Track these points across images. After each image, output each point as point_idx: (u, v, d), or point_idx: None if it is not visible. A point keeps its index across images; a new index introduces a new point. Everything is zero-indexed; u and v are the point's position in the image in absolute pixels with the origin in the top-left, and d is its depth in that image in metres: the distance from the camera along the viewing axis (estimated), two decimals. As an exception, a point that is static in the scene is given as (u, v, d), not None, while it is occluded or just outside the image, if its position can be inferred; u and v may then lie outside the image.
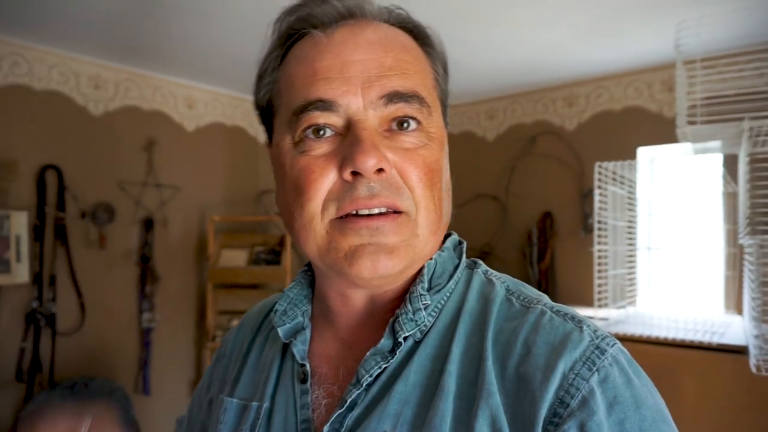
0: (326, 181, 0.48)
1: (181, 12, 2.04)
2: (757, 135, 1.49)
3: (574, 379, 0.43)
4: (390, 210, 0.48)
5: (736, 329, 1.69)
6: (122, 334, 2.72)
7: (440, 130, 0.53)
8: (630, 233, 2.08)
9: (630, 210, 2.01)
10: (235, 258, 2.93)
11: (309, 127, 0.49)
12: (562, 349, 0.44)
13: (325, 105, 0.48)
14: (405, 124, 0.49)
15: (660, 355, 1.54)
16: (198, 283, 3.03)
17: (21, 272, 2.32)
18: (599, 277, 1.69)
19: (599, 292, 1.72)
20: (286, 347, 0.58)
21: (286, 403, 0.54)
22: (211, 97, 3.11)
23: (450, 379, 0.46)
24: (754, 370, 1.33)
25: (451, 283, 0.54)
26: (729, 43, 1.76)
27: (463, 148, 3.35)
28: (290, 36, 0.53)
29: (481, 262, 0.58)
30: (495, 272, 0.57)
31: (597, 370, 0.43)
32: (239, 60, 2.54)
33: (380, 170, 0.47)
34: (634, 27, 2.15)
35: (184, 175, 2.96)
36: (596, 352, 0.44)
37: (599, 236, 1.74)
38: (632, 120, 2.72)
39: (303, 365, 0.54)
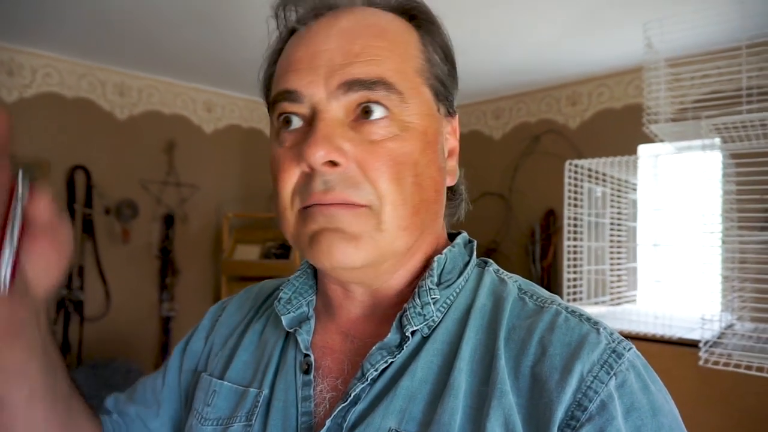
0: (292, 174, 0.48)
1: (199, 22, 2.22)
2: (722, 131, 1.51)
3: (592, 382, 0.42)
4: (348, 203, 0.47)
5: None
6: (144, 321, 2.95)
7: (422, 118, 0.49)
8: (616, 230, 2.10)
9: (613, 207, 2.04)
10: (249, 252, 3.11)
11: (280, 116, 0.49)
12: (580, 350, 0.44)
13: (292, 96, 0.48)
14: (370, 112, 0.47)
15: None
16: (214, 276, 3.23)
17: (52, 263, 2.56)
18: (569, 272, 1.74)
19: (571, 287, 1.77)
20: (287, 336, 0.57)
21: (286, 393, 0.52)
22: (229, 101, 3.31)
23: (460, 376, 0.45)
24: (701, 362, 1.36)
25: (461, 279, 0.52)
26: (707, 44, 1.77)
27: (471, 147, 3.41)
28: (291, 31, 0.53)
29: (491, 261, 0.56)
30: (506, 272, 0.55)
31: (614, 374, 0.42)
32: (255, 65, 2.70)
33: (334, 163, 0.45)
34: (634, 24, 2.16)
35: (202, 175, 3.16)
36: (613, 355, 0.43)
37: (572, 232, 1.79)
38: (633, 118, 2.71)
39: (307, 355, 0.53)
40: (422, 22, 0.53)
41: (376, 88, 0.46)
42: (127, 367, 2.54)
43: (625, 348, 0.44)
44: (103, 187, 2.77)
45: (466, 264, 0.54)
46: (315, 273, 0.60)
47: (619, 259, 2.15)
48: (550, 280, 2.95)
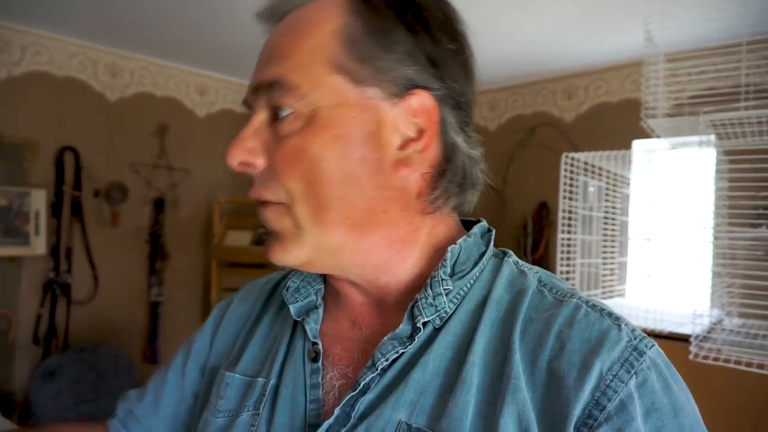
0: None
1: (194, 3, 2.17)
2: (718, 127, 1.51)
3: (611, 381, 0.41)
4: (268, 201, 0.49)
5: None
6: (132, 306, 2.92)
7: (330, 110, 0.46)
8: (609, 223, 2.11)
9: (607, 201, 2.05)
10: (240, 238, 3.09)
11: None
12: (600, 347, 0.42)
13: (245, 102, 0.52)
14: (279, 112, 0.47)
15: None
16: (204, 262, 3.20)
17: (39, 245, 2.53)
18: (563, 265, 1.74)
19: (564, 280, 1.78)
20: (295, 325, 0.57)
21: (294, 381, 0.52)
22: (223, 85, 3.26)
23: (472, 370, 0.44)
24: (692, 356, 1.37)
25: (475, 270, 0.51)
26: (706, 40, 1.77)
27: (466, 138, 3.40)
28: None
29: (511, 252, 0.55)
30: (526, 263, 0.54)
31: (635, 373, 0.41)
32: (250, 49, 2.66)
33: (247, 164, 0.49)
34: (633, 18, 2.15)
35: (194, 159, 3.12)
36: (634, 353, 0.42)
37: (567, 225, 1.79)
38: (629, 112, 2.71)
39: (315, 343, 0.53)
40: (358, 2, 0.48)
41: (274, 89, 0.47)
42: (115, 352, 2.52)
43: (647, 345, 0.43)
44: (92, 169, 2.73)
45: (482, 254, 0.53)
46: None
47: (610, 252, 2.16)
48: (541, 272, 2.96)
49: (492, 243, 0.55)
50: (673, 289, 1.95)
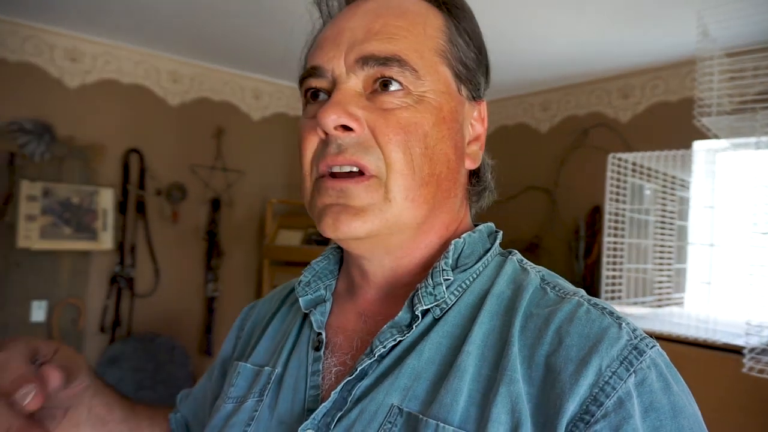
0: (311, 142, 0.50)
1: (247, 11, 2.27)
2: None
3: (610, 377, 0.41)
4: (358, 170, 0.48)
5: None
6: (190, 300, 3.07)
7: (437, 95, 0.50)
8: (667, 228, 2.02)
9: (662, 204, 1.96)
10: (291, 238, 3.18)
11: (307, 91, 0.53)
12: (599, 344, 0.42)
13: (316, 71, 0.51)
14: (387, 86, 0.49)
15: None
16: (257, 260, 3.32)
17: (106, 240, 2.71)
18: (608, 270, 1.68)
19: (609, 285, 1.71)
20: (305, 318, 0.59)
21: (297, 370, 0.54)
22: (276, 89, 3.38)
23: (467, 359, 0.45)
24: (745, 369, 1.29)
25: (479, 265, 0.52)
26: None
27: (517, 140, 3.34)
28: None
29: (516, 251, 0.56)
30: (531, 262, 0.54)
31: (634, 371, 0.41)
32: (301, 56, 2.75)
33: (347, 128, 0.48)
34: (691, 12, 2.05)
35: (248, 161, 3.25)
36: (634, 352, 0.42)
37: (613, 228, 1.73)
38: (690, 112, 2.58)
39: (319, 333, 0.54)
40: (450, 7, 0.54)
41: (390, 64, 0.48)
42: (172, 343, 2.66)
43: (647, 345, 0.43)
44: (155, 170, 2.90)
45: (487, 251, 0.54)
46: (339, 259, 0.62)
47: (664, 258, 2.06)
48: (594, 278, 2.87)
49: (498, 243, 0.56)
50: (732, 299, 1.83)
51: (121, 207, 2.79)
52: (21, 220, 2.46)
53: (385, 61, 0.48)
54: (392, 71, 0.48)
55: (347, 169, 0.48)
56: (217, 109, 3.15)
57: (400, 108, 0.48)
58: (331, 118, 0.47)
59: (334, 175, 0.49)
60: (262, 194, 3.32)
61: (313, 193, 0.51)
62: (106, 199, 2.72)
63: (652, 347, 0.43)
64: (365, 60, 0.48)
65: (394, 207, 0.48)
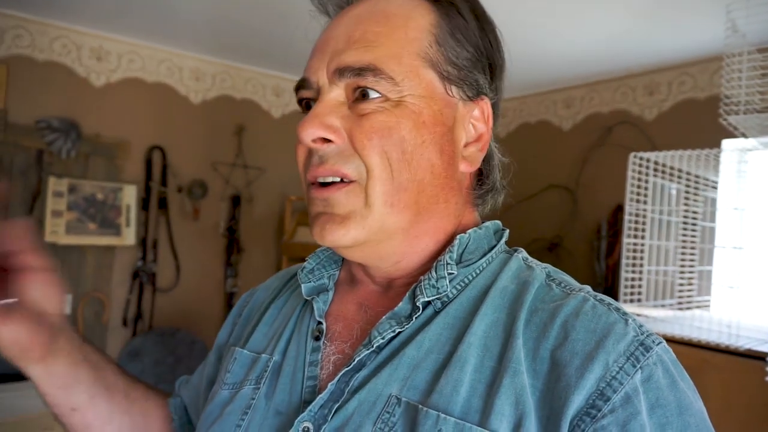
0: (302, 152, 0.52)
1: (270, 11, 2.29)
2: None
3: (617, 373, 0.40)
4: (340, 179, 0.49)
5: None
6: (210, 295, 3.12)
7: (417, 99, 0.49)
8: (690, 229, 1.96)
9: (687, 205, 1.90)
10: (309, 235, 3.19)
11: (300, 102, 0.54)
12: (605, 339, 0.42)
13: (304, 82, 0.52)
14: (366, 95, 0.49)
15: (683, 355, 1.48)
16: (276, 256, 3.35)
17: (129, 236, 2.77)
18: (627, 271, 1.64)
19: (629, 287, 1.67)
20: (305, 306, 0.59)
21: (295, 359, 0.54)
22: (297, 87, 3.39)
23: (469, 349, 0.45)
24: (769, 377, 1.25)
25: (483, 260, 0.52)
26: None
27: (539, 138, 3.29)
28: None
29: (522, 249, 0.56)
30: (536, 260, 0.54)
31: (641, 368, 0.41)
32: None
33: (325, 140, 0.49)
34: (715, 6, 1.99)
35: (268, 158, 3.27)
36: (641, 348, 0.42)
37: (633, 229, 1.68)
38: (719, 110, 2.50)
39: (320, 323, 0.54)
40: (444, 5, 0.52)
41: (365, 74, 0.48)
42: (191, 338, 2.70)
43: (653, 342, 0.43)
44: (177, 167, 2.94)
45: (492, 248, 0.54)
46: None
47: (689, 260, 2.01)
48: (615, 279, 2.81)
49: (504, 240, 0.56)
50: (761, 304, 1.77)
51: (144, 203, 2.84)
52: (48, 215, 2.53)
53: (360, 71, 0.48)
54: (367, 81, 0.48)
55: (330, 179, 0.49)
56: (239, 107, 3.18)
57: (375, 112, 0.48)
58: (308, 132, 0.48)
59: (321, 185, 0.50)
60: (281, 191, 3.34)
61: (308, 202, 0.52)
62: (130, 195, 2.77)
63: (658, 344, 0.43)
64: (341, 72, 0.49)
65: (375, 212, 0.48)
